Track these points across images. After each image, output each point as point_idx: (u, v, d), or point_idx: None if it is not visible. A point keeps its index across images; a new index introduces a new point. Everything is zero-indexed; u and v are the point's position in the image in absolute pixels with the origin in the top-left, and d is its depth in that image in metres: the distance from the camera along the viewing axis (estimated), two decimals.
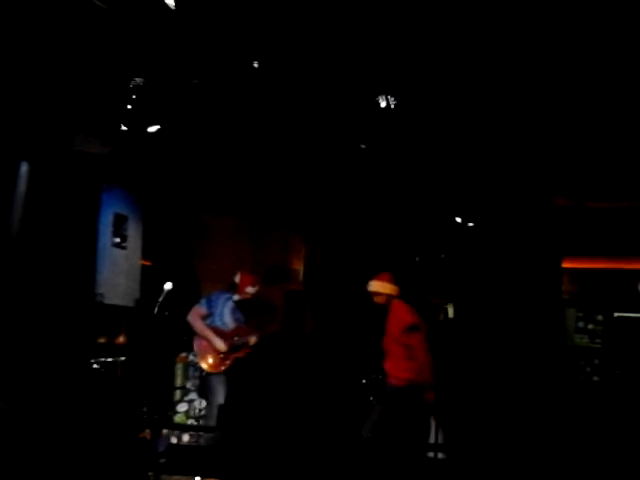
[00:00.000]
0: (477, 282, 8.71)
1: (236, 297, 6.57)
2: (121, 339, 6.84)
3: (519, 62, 5.35)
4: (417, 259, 10.41)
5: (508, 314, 8.09)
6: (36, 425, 4.47)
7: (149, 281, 7.06)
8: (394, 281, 6.45)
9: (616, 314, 8.87)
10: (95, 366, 6.24)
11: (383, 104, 4.96)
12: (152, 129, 5.68)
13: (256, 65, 5.62)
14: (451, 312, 10.57)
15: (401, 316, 6.32)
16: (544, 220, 8.17)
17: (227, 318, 6.57)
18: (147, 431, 5.40)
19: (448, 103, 5.99)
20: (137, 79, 5.62)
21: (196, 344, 6.49)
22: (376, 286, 6.44)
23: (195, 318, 6.44)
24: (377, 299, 6.45)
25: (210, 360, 6.38)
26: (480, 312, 8.88)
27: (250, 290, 6.64)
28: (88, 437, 4.70)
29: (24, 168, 5.87)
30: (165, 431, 5.46)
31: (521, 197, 8.00)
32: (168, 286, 6.08)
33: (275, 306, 8.48)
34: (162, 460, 5.26)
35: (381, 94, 5.02)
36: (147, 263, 7.50)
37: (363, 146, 5.57)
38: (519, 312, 7.98)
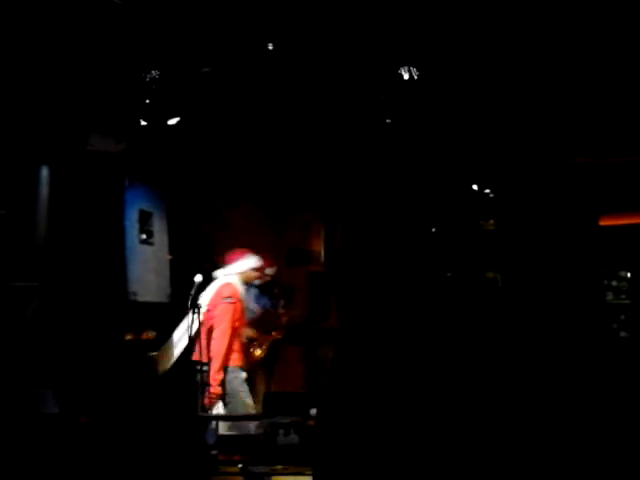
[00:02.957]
0: (511, 251, 8.65)
1: (257, 282, 6.55)
2: (150, 335, 6.81)
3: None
4: (433, 230, 10.33)
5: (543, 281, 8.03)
6: (92, 431, 4.46)
7: (173, 275, 7.04)
8: None
9: None
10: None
11: (406, 76, 4.86)
12: (172, 122, 5.58)
13: (270, 47, 5.54)
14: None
15: None
16: (569, 182, 8.09)
17: (252, 305, 6.70)
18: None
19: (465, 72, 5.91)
20: (152, 72, 5.51)
21: None
22: None
23: None
24: None
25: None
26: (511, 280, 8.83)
27: (268, 272, 6.70)
28: (142, 434, 4.69)
29: (44, 172, 5.82)
30: (213, 423, 5.43)
31: (543, 159, 7.91)
32: (198, 278, 6.02)
33: (296, 288, 8.44)
34: (213, 452, 5.25)
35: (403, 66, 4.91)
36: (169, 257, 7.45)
37: (388, 120, 5.48)
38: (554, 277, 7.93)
